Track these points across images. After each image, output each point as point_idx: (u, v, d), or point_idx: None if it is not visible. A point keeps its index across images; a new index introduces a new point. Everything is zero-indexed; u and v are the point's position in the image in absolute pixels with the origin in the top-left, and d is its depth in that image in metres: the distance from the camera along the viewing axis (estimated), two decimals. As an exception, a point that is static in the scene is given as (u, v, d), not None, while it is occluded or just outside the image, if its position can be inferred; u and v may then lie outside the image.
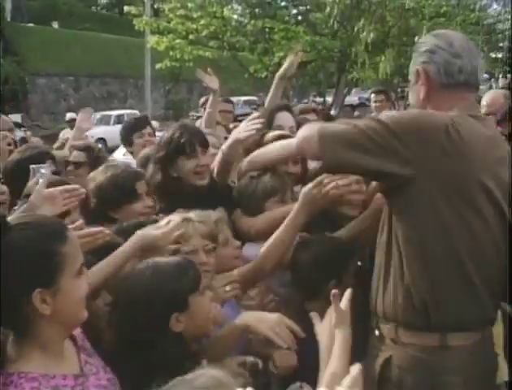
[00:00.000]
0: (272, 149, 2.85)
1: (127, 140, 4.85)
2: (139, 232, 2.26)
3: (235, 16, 17.93)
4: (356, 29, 16.05)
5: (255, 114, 3.34)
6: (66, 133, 15.07)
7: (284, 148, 2.70)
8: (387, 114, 2.22)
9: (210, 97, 4.73)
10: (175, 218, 2.42)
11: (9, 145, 4.39)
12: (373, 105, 7.80)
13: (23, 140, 4.83)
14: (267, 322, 2.13)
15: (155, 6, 19.43)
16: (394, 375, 2.21)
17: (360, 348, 2.22)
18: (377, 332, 2.30)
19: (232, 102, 7.07)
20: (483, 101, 4.97)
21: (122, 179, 3.03)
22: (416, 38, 19.09)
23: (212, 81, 4.70)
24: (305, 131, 2.30)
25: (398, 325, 2.21)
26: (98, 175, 3.12)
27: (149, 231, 2.28)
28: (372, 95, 8.11)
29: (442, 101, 2.24)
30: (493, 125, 2.44)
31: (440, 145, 2.06)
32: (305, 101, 26.68)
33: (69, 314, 1.71)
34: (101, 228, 2.30)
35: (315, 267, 2.61)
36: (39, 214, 2.24)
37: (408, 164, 2.06)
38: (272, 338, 2.08)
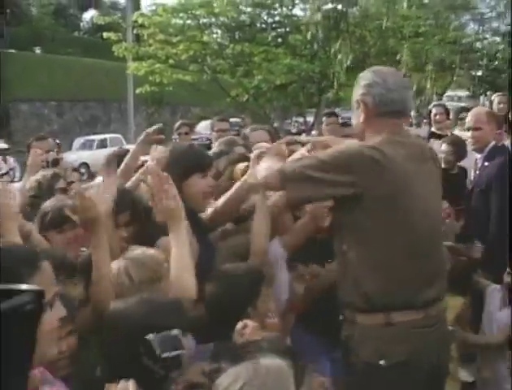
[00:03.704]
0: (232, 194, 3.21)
1: None
2: None
3: (215, 39, 17.99)
4: (333, 51, 16.15)
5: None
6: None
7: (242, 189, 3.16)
8: (323, 153, 2.81)
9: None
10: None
11: (42, 161, 4.85)
12: (324, 127, 7.52)
13: (56, 161, 5.19)
14: None
15: (134, 32, 19.50)
16: (355, 348, 2.74)
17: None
18: (341, 316, 2.84)
19: (228, 121, 7.19)
20: (468, 118, 5.24)
21: None
22: (398, 56, 19.33)
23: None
24: (266, 172, 2.85)
25: (353, 309, 2.75)
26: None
27: None
28: (324, 118, 7.83)
29: (377, 126, 2.77)
30: (417, 145, 2.93)
31: (373, 165, 2.59)
32: (288, 121, 26.81)
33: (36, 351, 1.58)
34: None
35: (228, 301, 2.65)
36: (14, 242, 2.28)
37: (352, 186, 2.61)
38: None
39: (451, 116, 8.46)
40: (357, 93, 2.83)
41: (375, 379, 2.68)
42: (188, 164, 3.08)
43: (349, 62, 16.71)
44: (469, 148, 5.44)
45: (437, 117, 8.52)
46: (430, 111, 9.32)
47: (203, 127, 24.08)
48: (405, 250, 2.66)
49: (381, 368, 2.65)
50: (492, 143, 5.02)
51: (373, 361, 2.66)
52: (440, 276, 2.84)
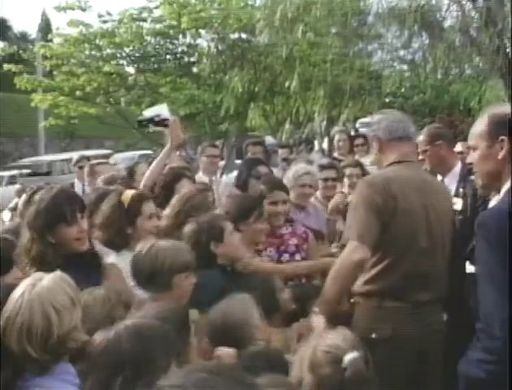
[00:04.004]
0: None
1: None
2: None
3: (118, 70, 17.57)
4: (227, 78, 16.08)
5: None
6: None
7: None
8: (361, 198, 3.55)
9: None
10: None
11: None
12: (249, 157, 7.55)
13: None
14: None
15: (35, 64, 19.01)
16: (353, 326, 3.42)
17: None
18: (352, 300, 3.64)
19: (217, 147, 7.67)
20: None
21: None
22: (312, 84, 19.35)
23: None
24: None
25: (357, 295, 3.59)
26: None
27: None
28: (249, 147, 7.83)
29: (388, 152, 3.74)
30: (419, 167, 4.11)
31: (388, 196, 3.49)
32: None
33: None
34: None
35: None
36: None
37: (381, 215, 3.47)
38: None
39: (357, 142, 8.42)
40: (369, 131, 3.98)
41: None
42: (50, 216, 3.18)
43: (256, 90, 16.71)
44: None
45: (340, 143, 8.54)
46: (333, 138, 9.32)
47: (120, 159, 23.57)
48: (403, 253, 3.48)
49: (372, 342, 3.11)
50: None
51: (365, 336, 3.08)
52: (438, 279, 3.60)
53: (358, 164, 6.25)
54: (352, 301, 3.61)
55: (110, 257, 3.68)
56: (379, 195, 3.47)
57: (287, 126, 19.42)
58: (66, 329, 2.23)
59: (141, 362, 2.00)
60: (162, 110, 5.46)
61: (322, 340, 2.45)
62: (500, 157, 2.75)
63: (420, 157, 4.86)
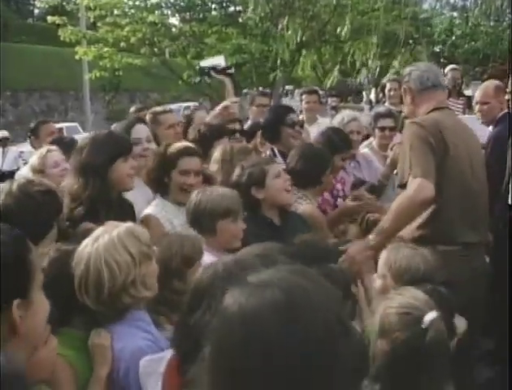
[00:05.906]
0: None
1: None
2: None
3: (162, 20, 17.29)
4: (281, 28, 15.74)
5: None
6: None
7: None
8: (416, 138, 3.54)
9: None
10: None
11: None
12: (304, 105, 7.63)
13: None
14: None
15: (79, 15, 18.79)
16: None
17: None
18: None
19: (267, 95, 7.50)
20: (476, 92, 5.98)
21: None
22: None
23: None
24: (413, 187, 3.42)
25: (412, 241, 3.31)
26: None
27: None
28: (304, 95, 7.86)
29: (422, 101, 3.77)
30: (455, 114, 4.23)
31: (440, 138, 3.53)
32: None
33: (36, 334, 1.61)
34: None
35: None
36: None
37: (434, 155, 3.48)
38: None
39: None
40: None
41: None
42: (110, 150, 3.33)
43: (304, 39, 16.36)
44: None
45: (392, 92, 8.24)
46: (384, 87, 9.00)
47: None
48: (453, 197, 3.52)
49: None
50: (502, 113, 5.55)
51: None
52: (483, 222, 3.72)
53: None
54: None
55: (149, 207, 3.74)
56: (431, 136, 3.50)
57: (335, 73, 19.05)
58: (119, 285, 2.28)
59: None
60: (220, 60, 5.83)
61: (392, 301, 2.17)
62: None
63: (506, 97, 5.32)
